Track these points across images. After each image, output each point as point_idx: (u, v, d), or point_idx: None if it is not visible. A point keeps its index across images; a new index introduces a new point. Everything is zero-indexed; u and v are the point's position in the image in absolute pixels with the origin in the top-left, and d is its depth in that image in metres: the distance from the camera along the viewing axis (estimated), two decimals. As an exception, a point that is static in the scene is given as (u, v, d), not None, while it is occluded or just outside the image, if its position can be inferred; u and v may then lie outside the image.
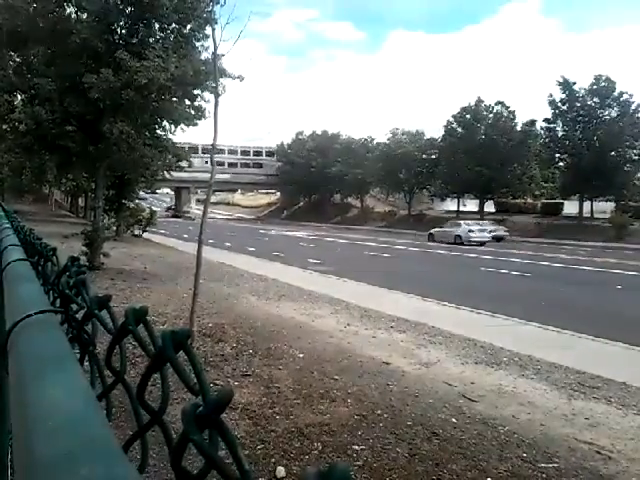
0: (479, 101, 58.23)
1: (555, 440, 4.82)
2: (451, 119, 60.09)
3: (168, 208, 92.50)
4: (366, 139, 76.31)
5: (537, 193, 59.18)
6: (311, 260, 21.34)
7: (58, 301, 1.11)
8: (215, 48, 8.28)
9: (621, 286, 16.87)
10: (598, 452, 4.60)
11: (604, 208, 49.83)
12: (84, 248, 14.31)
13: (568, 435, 4.94)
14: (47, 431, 0.45)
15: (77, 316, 0.94)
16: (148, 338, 0.62)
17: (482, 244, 36.93)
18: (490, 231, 40.06)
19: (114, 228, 27.99)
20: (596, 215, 49.11)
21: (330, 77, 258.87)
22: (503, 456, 4.45)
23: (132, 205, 32.59)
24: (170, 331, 0.52)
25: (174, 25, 15.28)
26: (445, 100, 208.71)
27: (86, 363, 0.84)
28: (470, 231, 38.34)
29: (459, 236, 38.10)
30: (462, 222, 41.08)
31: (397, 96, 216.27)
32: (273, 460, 4.18)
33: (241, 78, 15.04)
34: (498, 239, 40.38)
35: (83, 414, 0.48)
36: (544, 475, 4.16)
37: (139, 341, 0.64)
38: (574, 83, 49.65)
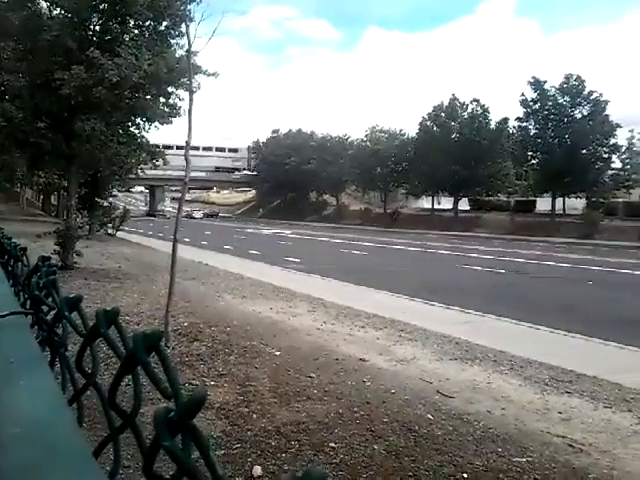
0: (453, 99, 58.68)
1: (529, 434, 4.88)
2: (425, 117, 60.47)
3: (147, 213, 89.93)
4: (341, 137, 76.38)
5: (510, 190, 59.90)
6: (287, 258, 21.31)
7: (29, 302, 1.08)
8: (189, 45, 8.22)
9: (592, 282, 17.18)
10: (570, 445, 4.67)
11: (576, 205, 50.64)
12: (57, 247, 14.08)
13: (542, 429, 5.01)
14: (14, 439, 0.43)
15: (48, 318, 0.92)
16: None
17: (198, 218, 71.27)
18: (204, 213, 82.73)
19: (87, 227, 27.62)
20: (568, 212, 49.83)
21: (307, 75, 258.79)
22: (478, 451, 4.49)
23: (105, 204, 32.21)
24: (141, 333, 0.51)
25: (149, 22, 15.09)
26: (422, 98, 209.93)
27: (58, 366, 0.82)
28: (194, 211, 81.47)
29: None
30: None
31: (374, 94, 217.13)
32: (250, 459, 4.17)
33: (216, 75, 14.95)
34: (210, 215, 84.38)
35: (52, 420, 0.47)
36: (518, 469, 4.21)
37: (110, 343, 0.62)
38: (545, 82, 50.32)
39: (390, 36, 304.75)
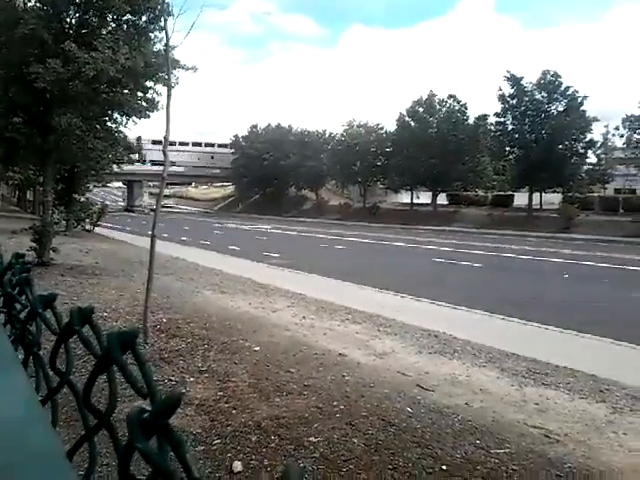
0: (432, 95, 58.94)
1: (507, 426, 4.94)
2: (404, 112, 60.67)
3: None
4: (319, 132, 76.23)
5: (488, 185, 60.39)
6: (267, 253, 21.26)
7: (2, 300, 1.06)
8: (167, 39, 8.13)
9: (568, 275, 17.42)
10: (547, 436, 4.74)
11: (552, 200, 51.26)
12: (33, 244, 13.88)
13: (519, 421, 5.07)
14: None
15: (21, 316, 0.90)
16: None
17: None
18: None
19: (64, 223, 27.26)
20: (545, 206, 50.43)
21: (288, 71, 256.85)
22: (457, 443, 4.53)
23: (83, 199, 31.80)
24: (116, 332, 0.50)
25: (128, 16, 14.89)
26: (404, 94, 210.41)
27: (32, 365, 0.81)
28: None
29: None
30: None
31: (355, 90, 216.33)
32: (230, 455, 4.16)
33: (195, 69, 14.81)
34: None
35: (24, 421, 0.46)
36: (496, 460, 4.26)
37: (84, 342, 0.61)
38: (521, 78, 50.77)
39: (372, 32, 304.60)
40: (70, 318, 0.63)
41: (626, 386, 6.13)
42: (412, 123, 59.38)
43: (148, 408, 0.41)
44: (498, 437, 4.68)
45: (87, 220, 30.33)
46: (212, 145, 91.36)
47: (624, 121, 44.36)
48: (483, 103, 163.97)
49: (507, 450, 4.45)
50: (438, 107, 58.33)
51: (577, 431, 4.89)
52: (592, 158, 52.62)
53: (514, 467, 4.14)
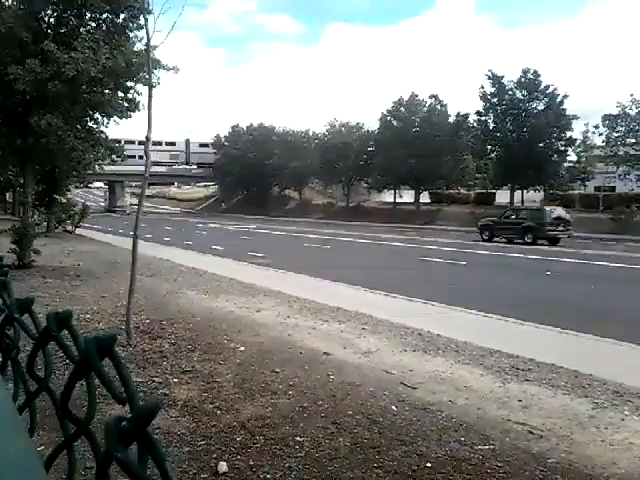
0: (413, 95, 59.19)
1: (491, 422, 4.97)
2: (385, 112, 60.84)
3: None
4: (302, 131, 76.20)
5: (470, 184, 60.77)
6: (250, 253, 21.20)
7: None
8: (148, 39, 8.05)
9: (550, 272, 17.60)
10: (530, 432, 4.78)
11: (534, 197, 51.71)
12: (13, 245, 13.72)
13: (503, 417, 5.11)
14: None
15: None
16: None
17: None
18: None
19: (45, 224, 26.99)
20: (526, 204, 50.82)
21: (269, 70, 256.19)
22: (442, 440, 4.56)
23: (64, 200, 31.51)
24: (94, 337, 0.49)
25: (107, 15, 14.74)
26: (385, 92, 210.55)
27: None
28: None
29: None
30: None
31: (337, 89, 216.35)
32: (215, 455, 4.14)
33: (176, 70, 14.78)
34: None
35: (0, 428, 0.45)
36: (481, 457, 4.28)
37: (62, 347, 0.60)
38: (502, 77, 51.13)
39: (353, 30, 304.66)
40: (47, 323, 0.62)
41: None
42: (394, 122, 59.59)
43: (126, 415, 0.40)
44: (482, 433, 4.71)
45: (68, 221, 30.05)
46: (173, 144, 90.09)
47: (604, 119, 44.84)
48: (466, 101, 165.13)
49: (491, 446, 4.48)
50: (419, 107, 58.60)
51: (560, 426, 4.94)
52: (572, 156, 53.28)
53: (498, 463, 4.17)
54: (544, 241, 29.96)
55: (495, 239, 31.97)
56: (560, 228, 30.56)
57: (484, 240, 32.11)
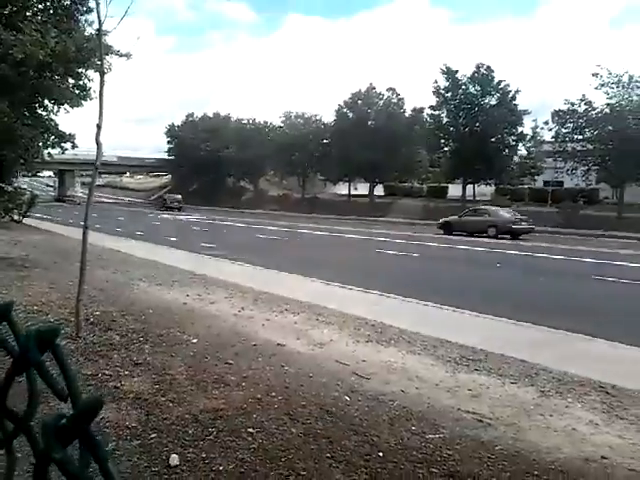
0: (371, 87, 59.50)
1: (441, 412, 5.07)
2: (342, 104, 61.00)
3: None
4: (259, 122, 75.73)
5: (424, 177, 61.62)
6: (203, 244, 21.00)
7: None
8: (100, 23, 7.80)
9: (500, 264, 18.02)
10: (479, 420, 4.89)
11: (485, 192, 52.79)
12: (-45, 235, 13.23)
13: (453, 406, 5.22)
14: None
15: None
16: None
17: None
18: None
19: (-10, 213, 26.03)
20: (478, 198, 51.84)
21: (227, 59, 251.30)
22: (393, 430, 4.62)
23: (10, 189, 30.47)
24: (34, 330, 0.47)
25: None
26: (341, 85, 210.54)
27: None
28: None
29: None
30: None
31: (295, 80, 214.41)
32: (167, 448, 4.09)
33: (129, 56, 14.39)
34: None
35: None
36: (431, 445, 4.36)
37: (1, 341, 0.58)
38: (456, 71, 51.85)
39: (310, 21, 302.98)
40: (-16, 316, 0.60)
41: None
42: (350, 115, 59.80)
43: (66, 413, 0.39)
44: (433, 423, 4.80)
45: (15, 210, 29.08)
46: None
47: (553, 115, 46.00)
48: (423, 96, 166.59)
49: (442, 435, 4.57)
50: (376, 100, 58.97)
51: (507, 414, 5.07)
52: (523, 151, 54.54)
53: (448, 452, 4.26)
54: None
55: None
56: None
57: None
